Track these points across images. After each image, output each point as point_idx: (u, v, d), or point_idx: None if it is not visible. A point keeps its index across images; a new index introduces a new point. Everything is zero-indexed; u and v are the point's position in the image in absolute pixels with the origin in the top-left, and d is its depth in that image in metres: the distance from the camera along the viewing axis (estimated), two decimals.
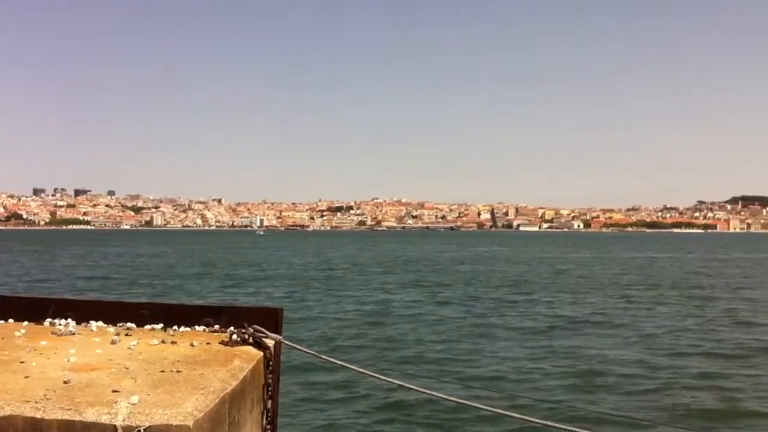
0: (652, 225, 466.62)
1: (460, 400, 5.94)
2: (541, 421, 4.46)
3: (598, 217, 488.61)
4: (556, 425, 4.38)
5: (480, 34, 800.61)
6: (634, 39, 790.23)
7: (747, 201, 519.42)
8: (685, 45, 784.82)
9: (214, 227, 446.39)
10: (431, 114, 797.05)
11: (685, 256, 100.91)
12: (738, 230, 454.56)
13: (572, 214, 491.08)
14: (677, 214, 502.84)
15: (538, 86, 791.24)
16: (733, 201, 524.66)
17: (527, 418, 4.61)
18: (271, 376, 4.17)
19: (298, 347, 4.79)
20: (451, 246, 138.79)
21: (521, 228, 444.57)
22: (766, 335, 25.44)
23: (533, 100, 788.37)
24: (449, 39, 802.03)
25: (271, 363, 4.18)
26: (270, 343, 4.25)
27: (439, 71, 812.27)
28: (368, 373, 5.28)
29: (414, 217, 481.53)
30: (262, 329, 4.29)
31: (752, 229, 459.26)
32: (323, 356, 5.10)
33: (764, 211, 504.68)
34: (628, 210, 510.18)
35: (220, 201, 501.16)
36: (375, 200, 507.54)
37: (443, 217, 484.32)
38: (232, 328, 4.32)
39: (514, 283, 48.47)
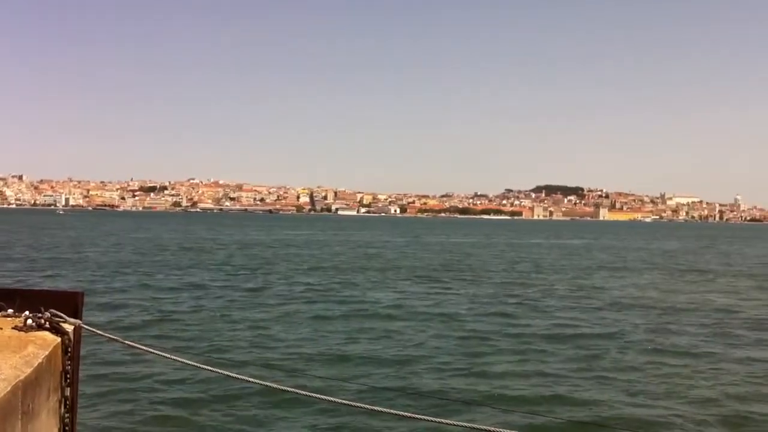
0: (464, 211, 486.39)
1: (265, 383, 6.02)
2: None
3: (413, 202, 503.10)
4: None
5: (329, 22, 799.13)
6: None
7: (550, 190, 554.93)
8: (491, 42, 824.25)
9: (14, 205, 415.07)
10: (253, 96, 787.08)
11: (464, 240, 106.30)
12: (541, 217, 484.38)
13: (389, 200, 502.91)
14: (487, 201, 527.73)
15: (360, 74, 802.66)
16: (538, 190, 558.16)
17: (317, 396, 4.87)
18: (69, 363, 4.03)
19: (100, 332, 4.65)
20: (262, 231, 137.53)
21: (340, 212, 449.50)
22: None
23: (351, 87, 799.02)
24: (273, 25, 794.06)
25: (69, 349, 4.04)
26: (69, 328, 4.10)
27: (264, 55, 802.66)
28: (172, 357, 5.23)
29: (232, 199, 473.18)
30: (61, 314, 4.13)
31: (554, 217, 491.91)
32: (127, 341, 4.99)
33: (565, 199, 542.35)
34: (442, 197, 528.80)
35: (20, 177, 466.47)
36: (191, 181, 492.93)
37: (262, 200, 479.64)
38: (27, 312, 4.13)
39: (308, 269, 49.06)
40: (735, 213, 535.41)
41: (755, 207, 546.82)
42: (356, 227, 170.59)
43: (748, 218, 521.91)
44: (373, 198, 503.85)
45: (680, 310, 29.87)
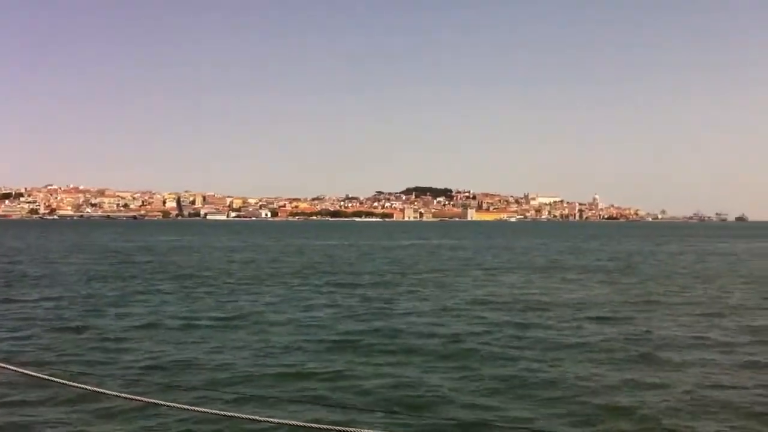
0: (336, 214, 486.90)
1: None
2: None
3: (284, 206, 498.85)
4: None
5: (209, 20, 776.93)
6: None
7: (420, 192, 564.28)
8: (357, 43, 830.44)
9: None
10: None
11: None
12: (412, 218, 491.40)
13: (260, 203, 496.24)
14: (358, 204, 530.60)
15: (228, 74, 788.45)
16: (408, 192, 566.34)
17: None
18: None
19: None
20: (134, 236, 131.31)
21: (209, 217, 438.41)
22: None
23: (218, 87, 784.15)
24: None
25: None
26: None
27: (121, 54, 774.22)
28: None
29: (93, 205, 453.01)
30: None
31: (424, 218, 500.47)
32: None
33: (435, 201, 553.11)
34: (314, 199, 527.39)
35: None
36: (49, 187, 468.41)
37: (126, 206, 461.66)
38: None
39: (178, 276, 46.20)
40: (594, 212, 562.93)
41: (612, 206, 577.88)
42: (222, 232, 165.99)
43: (606, 216, 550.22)
44: (244, 202, 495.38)
45: (535, 308, 29.39)
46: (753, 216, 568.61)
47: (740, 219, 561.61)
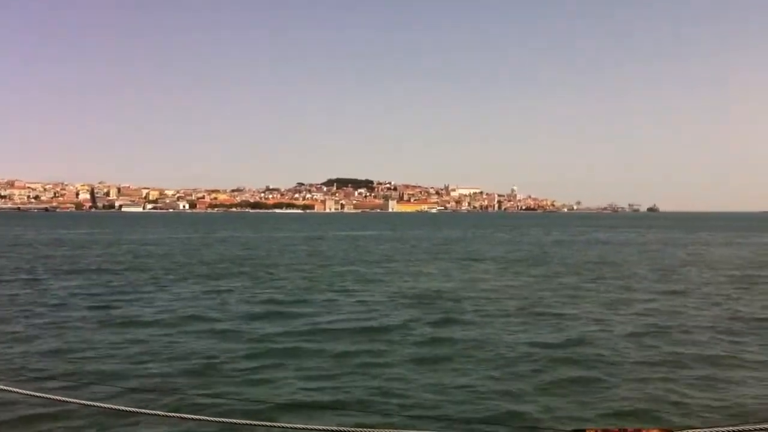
0: (256, 205, 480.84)
1: None
2: None
3: (203, 197, 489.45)
4: None
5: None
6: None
7: (341, 183, 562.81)
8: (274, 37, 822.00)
9: None
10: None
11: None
12: (333, 210, 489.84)
13: (178, 195, 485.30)
14: (279, 195, 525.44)
15: (144, 64, 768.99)
16: (329, 183, 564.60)
17: None
18: None
19: None
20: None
21: (124, 209, 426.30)
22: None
23: (135, 76, 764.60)
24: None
25: None
26: None
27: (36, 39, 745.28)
28: None
29: (3, 197, 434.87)
30: None
31: (346, 209, 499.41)
32: None
33: (356, 192, 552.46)
34: (233, 191, 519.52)
35: None
36: None
37: (37, 197, 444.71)
38: None
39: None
40: (512, 202, 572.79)
41: (529, 197, 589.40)
42: (136, 224, 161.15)
43: (524, 207, 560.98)
44: (160, 194, 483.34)
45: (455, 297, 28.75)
46: (664, 207, 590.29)
47: (652, 210, 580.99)
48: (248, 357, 17.54)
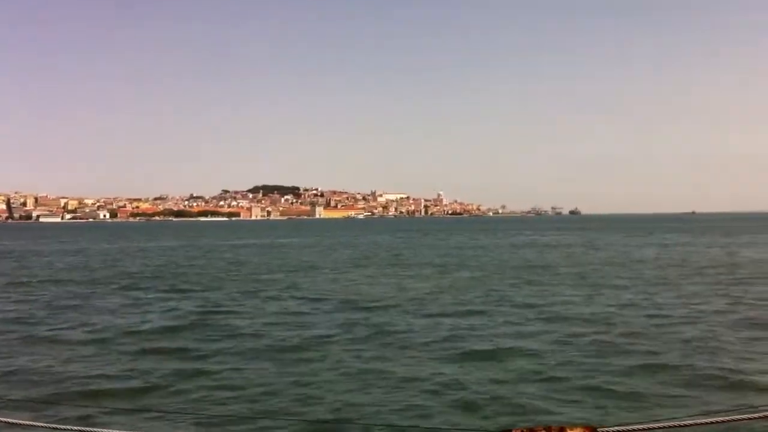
0: (180, 214, 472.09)
1: None
2: None
3: (125, 206, 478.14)
4: None
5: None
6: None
7: (267, 190, 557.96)
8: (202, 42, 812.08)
9: None
10: None
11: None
12: (259, 217, 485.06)
13: (98, 204, 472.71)
14: (204, 203, 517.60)
15: (62, 63, 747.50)
16: (255, 190, 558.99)
17: None
18: None
19: None
20: None
21: (42, 219, 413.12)
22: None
23: (51, 76, 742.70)
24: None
25: None
26: None
27: None
28: None
29: None
30: None
31: (272, 216, 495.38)
32: None
33: (282, 199, 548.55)
34: (156, 199, 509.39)
35: None
36: None
37: None
38: None
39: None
40: (439, 207, 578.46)
41: (456, 201, 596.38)
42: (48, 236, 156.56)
43: (450, 212, 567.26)
44: (80, 203, 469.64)
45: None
46: (585, 210, 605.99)
47: (573, 212, 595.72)
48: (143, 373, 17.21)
